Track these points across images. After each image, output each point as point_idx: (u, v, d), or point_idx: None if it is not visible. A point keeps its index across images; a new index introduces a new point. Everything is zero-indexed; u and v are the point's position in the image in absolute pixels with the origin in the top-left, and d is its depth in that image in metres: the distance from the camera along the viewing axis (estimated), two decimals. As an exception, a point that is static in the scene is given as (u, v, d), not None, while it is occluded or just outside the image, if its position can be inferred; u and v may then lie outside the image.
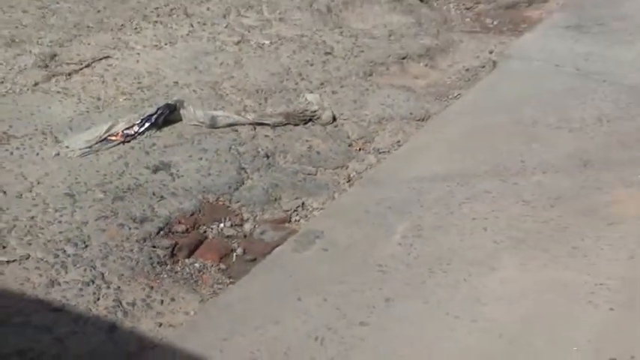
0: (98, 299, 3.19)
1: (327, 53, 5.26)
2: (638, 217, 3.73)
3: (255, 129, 4.39)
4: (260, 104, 4.62)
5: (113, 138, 4.18)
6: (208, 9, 5.72)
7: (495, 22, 6.02)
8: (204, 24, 5.52)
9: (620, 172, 4.07)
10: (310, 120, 4.49)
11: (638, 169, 4.09)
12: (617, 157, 4.21)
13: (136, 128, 4.25)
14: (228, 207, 3.84)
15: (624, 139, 4.38)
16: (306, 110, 4.52)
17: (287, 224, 3.77)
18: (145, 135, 4.24)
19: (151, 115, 4.32)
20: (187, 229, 3.67)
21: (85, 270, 3.33)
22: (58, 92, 4.59)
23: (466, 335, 3.07)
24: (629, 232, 3.64)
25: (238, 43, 5.30)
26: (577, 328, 3.09)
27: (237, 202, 3.86)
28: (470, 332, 3.08)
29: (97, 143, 4.14)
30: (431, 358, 2.97)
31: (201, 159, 4.12)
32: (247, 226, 3.73)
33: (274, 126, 4.43)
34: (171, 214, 3.72)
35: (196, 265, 3.49)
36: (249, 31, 5.47)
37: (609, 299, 3.23)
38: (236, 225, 3.74)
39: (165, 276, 3.39)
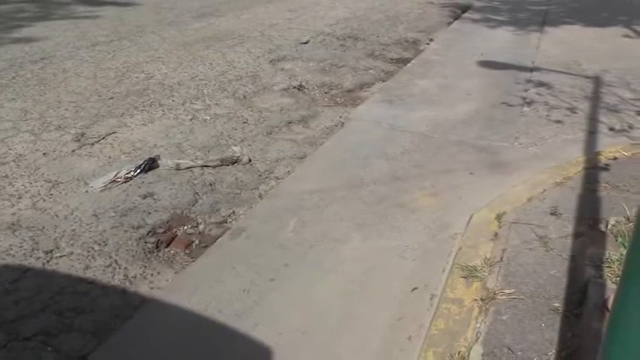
0: (114, 275, 3.13)
1: (244, 122, 5.24)
2: (428, 207, 3.86)
3: (203, 169, 4.33)
4: (205, 154, 4.56)
5: (119, 180, 4.08)
6: (173, 101, 5.64)
7: (342, 100, 6.09)
8: (171, 109, 5.43)
9: (415, 182, 4.20)
10: (236, 162, 4.46)
11: (424, 180, 4.23)
12: (413, 174, 4.33)
13: (132, 173, 4.16)
14: (189, 216, 3.77)
15: (417, 163, 4.51)
16: (233, 156, 4.49)
17: (225, 224, 3.72)
18: (137, 177, 4.16)
19: (140, 165, 4.23)
20: (165, 231, 3.59)
21: (105, 259, 3.25)
22: (86, 155, 4.46)
23: (333, 281, 3.12)
24: (423, 216, 3.76)
25: (191, 119, 5.23)
26: (396, 272, 3.19)
27: (194, 213, 3.80)
28: (335, 280, 3.14)
29: (109, 183, 4.04)
30: (313, 295, 3.01)
31: (171, 189, 4.04)
32: (201, 227, 3.67)
33: (214, 167, 4.38)
34: (155, 223, 3.64)
35: (171, 252, 3.42)
36: (197, 112, 5.41)
37: (412, 254, 3.35)
38: (194, 227, 3.67)
39: (153, 259, 3.32)
